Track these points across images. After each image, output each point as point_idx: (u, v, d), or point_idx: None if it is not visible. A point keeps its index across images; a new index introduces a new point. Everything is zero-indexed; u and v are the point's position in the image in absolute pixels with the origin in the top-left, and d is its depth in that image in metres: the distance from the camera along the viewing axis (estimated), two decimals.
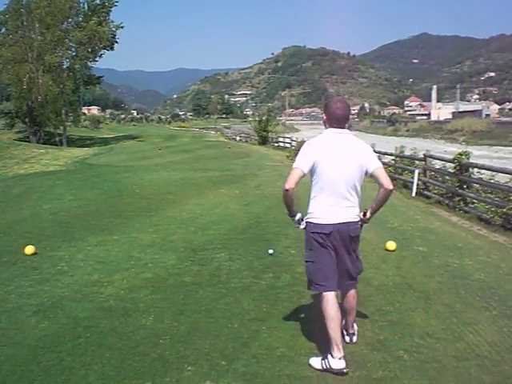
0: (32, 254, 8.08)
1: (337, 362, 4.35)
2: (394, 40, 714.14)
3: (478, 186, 13.93)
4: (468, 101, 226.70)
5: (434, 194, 15.35)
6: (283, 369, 4.43)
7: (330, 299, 4.49)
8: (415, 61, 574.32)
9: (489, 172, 13.46)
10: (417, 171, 16.42)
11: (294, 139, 40.04)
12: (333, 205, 4.48)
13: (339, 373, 4.33)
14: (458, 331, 5.24)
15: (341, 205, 4.49)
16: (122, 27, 61.59)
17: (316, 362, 4.52)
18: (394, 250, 8.38)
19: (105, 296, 6.22)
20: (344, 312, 4.78)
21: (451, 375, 4.36)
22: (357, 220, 4.62)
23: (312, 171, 4.48)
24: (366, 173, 4.58)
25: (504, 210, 11.19)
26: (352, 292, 4.76)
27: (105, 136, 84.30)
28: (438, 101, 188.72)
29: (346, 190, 4.48)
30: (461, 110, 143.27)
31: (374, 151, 18.02)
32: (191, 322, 5.39)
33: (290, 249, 8.30)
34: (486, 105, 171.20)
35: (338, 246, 4.52)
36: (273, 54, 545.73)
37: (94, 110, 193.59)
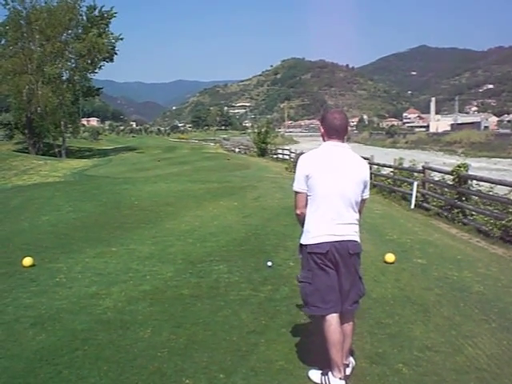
0: (30, 266, 8.05)
1: (337, 381, 4.27)
2: (393, 52, 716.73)
3: (476, 198, 13.95)
4: (466, 113, 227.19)
5: (433, 206, 15.36)
6: (282, 382, 4.41)
7: (333, 323, 4.28)
8: (414, 73, 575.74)
9: (487, 184, 13.49)
10: (415, 183, 16.44)
11: (293, 151, 40.15)
12: (329, 221, 4.26)
13: None
14: (458, 344, 5.23)
15: (338, 221, 4.27)
16: (121, 39, 61.87)
17: (316, 375, 4.45)
18: (392, 263, 8.36)
19: (103, 308, 6.19)
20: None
21: None
22: (356, 237, 4.38)
23: (307, 187, 4.34)
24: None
25: (503, 222, 11.20)
26: (349, 316, 4.47)
27: (104, 147, 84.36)
28: (437, 113, 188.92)
29: (343, 205, 4.28)
30: (459, 121, 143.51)
31: (373, 163, 18.04)
32: (189, 334, 5.37)
33: (289, 261, 8.28)
34: (485, 117, 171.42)
35: (337, 266, 4.28)
36: (272, 66, 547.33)
37: (94, 122, 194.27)
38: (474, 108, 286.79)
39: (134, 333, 5.41)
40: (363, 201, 4.46)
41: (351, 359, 4.64)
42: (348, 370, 4.47)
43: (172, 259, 8.56)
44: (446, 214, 14.18)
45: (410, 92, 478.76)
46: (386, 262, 8.37)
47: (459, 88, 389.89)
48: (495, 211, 12.41)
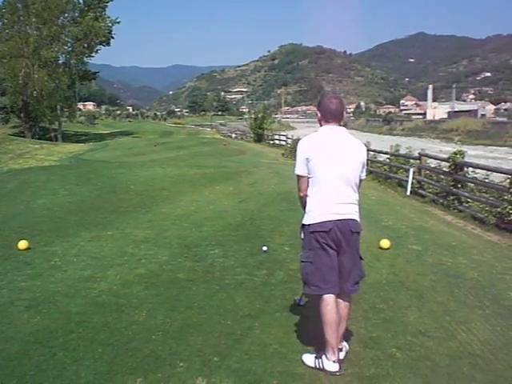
0: (25, 249, 8.05)
1: (331, 364, 4.32)
2: (391, 39, 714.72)
3: (472, 185, 13.95)
4: (464, 101, 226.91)
5: (429, 192, 15.37)
6: (276, 365, 4.41)
7: (330, 303, 4.34)
8: (411, 60, 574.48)
9: (483, 171, 13.49)
10: (412, 170, 16.44)
11: (290, 137, 40.08)
12: (331, 202, 4.34)
13: (332, 374, 4.32)
14: (451, 329, 5.25)
15: (339, 201, 4.36)
16: (118, 23, 61.72)
17: (309, 359, 4.49)
18: (388, 248, 8.37)
19: (98, 291, 6.20)
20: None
21: (444, 373, 4.36)
22: (357, 217, 4.49)
23: (308, 170, 4.42)
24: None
25: (498, 209, 11.22)
26: (346, 299, 4.54)
27: (100, 132, 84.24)
28: (434, 100, 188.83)
29: (344, 186, 4.38)
30: (456, 109, 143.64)
31: (370, 149, 18.00)
32: (184, 318, 5.38)
33: (284, 246, 8.29)
34: (482, 105, 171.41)
35: (339, 245, 4.35)
36: (269, 51, 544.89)
37: (90, 106, 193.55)
38: (471, 96, 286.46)
39: (128, 316, 5.42)
40: (361, 181, 4.56)
41: (345, 343, 4.65)
42: (342, 354, 4.51)
43: (167, 243, 8.56)
44: (441, 200, 14.19)
45: (407, 79, 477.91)
46: (381, 248, 8.38)
47: (457, 76, 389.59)
48: (491, 198, 12.43)
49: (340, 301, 4.47)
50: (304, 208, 4.56)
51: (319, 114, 4.58)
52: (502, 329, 5.31)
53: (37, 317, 5.39)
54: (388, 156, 20.34)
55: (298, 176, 4.53)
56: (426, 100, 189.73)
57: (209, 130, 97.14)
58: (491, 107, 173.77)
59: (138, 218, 10.65)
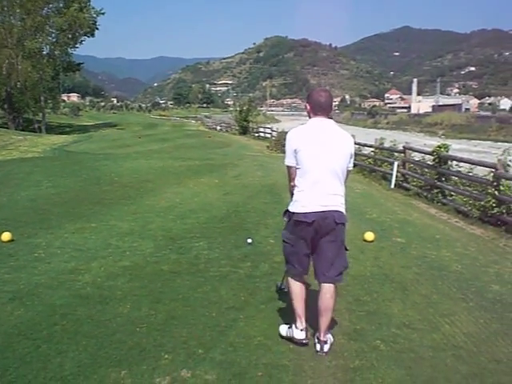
0: (8, 241, 7.97)
1: (298, 332, 4.65)
2: (376, 33, 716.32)
3: (456, 178, 14.03)
4: (448, 95, 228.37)
5: (413, 186, 15.43)
6: (260, 357, 4.43)
7: (298, 281, 4.72)
8: (396, 54, 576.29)
9: (467, 165, 13.57)
10: (396, 163, 16.50)
11: (275, 130, 40.10)
12: (317, 192, 4.45)
13: (300, 343, 4.62)
14: (435, 322, 5.28)
15: (325, 192, 4.46)
16: (102, 13, 61.31)
17: (283, 330, 4.84)
18: (372, 241, 8.41)
19: (82, 283, 6.16)
20: (319, 311, 4.64)
21: (427, 365, 4.39)
22: (342, 208, 4.58)
23: (296, 160, 4.53)
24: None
25: (482, 202, 11.29)
26: (330, 288, 4.60)
27: (84, 123, 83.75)
28: (419, 94, 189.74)
29: (330, 177, 4.47)
30: (441, 103, 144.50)
31: (355, 143, 18.12)
32: (168, 310, 5.37)
33: (269, 238, 8.30)
34: (466, 99, 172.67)
35: (322, 235, 4.48)
36: (254, 43, 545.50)
37: (74, 98, 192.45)
38: (456, 90, 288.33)
39: (113, 308, 5.40)
40: (348, 171, 4.67)
41: (329, 336, 4.69)
42: (326, 347, 4.56)
43: (152, 235, 8.53)
44: (425, 194, 14.26)
45: (392, 73, 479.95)
46: (365, 241, 8.42)
47: (441, 70, 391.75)
48: (474, 192, 12.50)
49: (325, 291, 4.59)
50: (292, 194, 4.67)
51: (308, 107, 4.66)
52: (486, 321, 5.36)
53: (20, 309, 5.35)
54: (373, 149, 20.40)
55: (287, 166, 4.64)
56: (410, 94, 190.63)
57: (194, 122, 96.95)
58: (475, 101, 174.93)
59: (122, 210, 10.60)
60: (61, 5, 58.54)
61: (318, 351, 4.54)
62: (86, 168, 17.69)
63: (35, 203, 11.45)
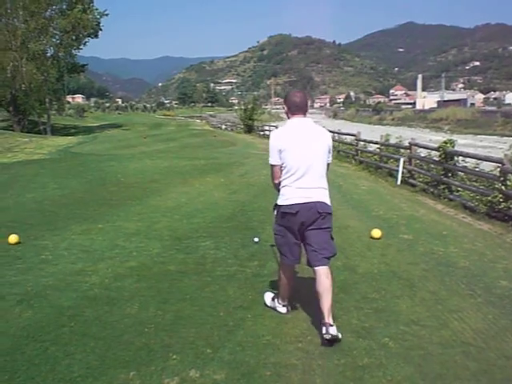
0: (15, 243, 7.99)
1: (281, 307, 5.30)
2: (380, 29, 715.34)
3: (462, 174, 14.00)
4: (453, 90, 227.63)
5: (419, 182, 15.40)
6: (269, 357, 4.41)
7: (288, 270, 5.21)
8: (401, 50, 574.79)
9: (473, 160, 13.53)
10: (402, 159, 16.46)
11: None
12: (299, 187, 4.84)
13: (281, 314, 5.24)
14: (443, 318, 5.26)
15: (308, 186, 4.85)
16: (106, 15, 61.24)
17: (268, 297, 5.49)
18: (379, 238, 8.39)
19: (89, 285, 6.17)
20: (318, 295, 4.79)
21: (436, 362, 4.37)
22: (325, 199, 4.93)
23: (280, 159, 4.91)
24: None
25: (489, 198, 11.25)
26: (324, 270, 4.85)
27: (89, 124, 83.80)
28: (423, 90, 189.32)
29: (313, 172, 4.86)
30: (446, 99, 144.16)
31: (360, 139, 18.08)
32: (176, 310, 5.36)
33: None
34: (471, 94, 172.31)
35: (308, 224, 4.86)
36: (258, 42, 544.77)
37: (79, 99, 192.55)
38: (461, 85, 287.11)
39: (120, 309, 5.40)
40: (328, 165, 5.06)
41: (339, 334, 4.65)
42: (333, 329, 4.61)
43: (158, 235, 8.54)
44: (432, 190, 14.22)
45: (396, 69, 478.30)
46: (372, 238, 8.40)
47: (446, 65, 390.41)
48: (481, 187, 12.47)
49: (320, 274, 4.85)
50: (278, 191, 5.07)
51: (286, 108, 5.10)
52: (494, 317, 5.33)
53: (28, 311, 5.35)
54: (378, 146, 20.38)
55: (271, 165, 5.04)
56: (415, 89, 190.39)
57: (199, 121, 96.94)
58: (480, 96, 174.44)
59: (128, 211, 10.61)
60: (64, 6, 58.50)
61: (324, 334, 4.59)
62: (92, 169, 17.75)
63: (41, 205, 11.49)
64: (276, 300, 5.34)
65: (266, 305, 5.40)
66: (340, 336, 4.67)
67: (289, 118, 5.08)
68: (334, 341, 4.59)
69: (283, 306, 5.27)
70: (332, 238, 5.02)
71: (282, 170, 4.95)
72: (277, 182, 5.05)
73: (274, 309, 5.30)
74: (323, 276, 4.81)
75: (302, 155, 4.82)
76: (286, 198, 4.89)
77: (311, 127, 4.99)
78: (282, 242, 5.07)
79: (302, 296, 5.66)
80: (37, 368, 4.21)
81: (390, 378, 4.10)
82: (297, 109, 4.99)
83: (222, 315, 5.25)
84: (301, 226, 4.88)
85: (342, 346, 4.60)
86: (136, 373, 4.14)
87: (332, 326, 4.63)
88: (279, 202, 4.99)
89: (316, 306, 4.84)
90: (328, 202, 4.95)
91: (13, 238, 8.04)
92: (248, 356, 4.42)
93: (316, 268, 4.87)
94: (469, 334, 4.92)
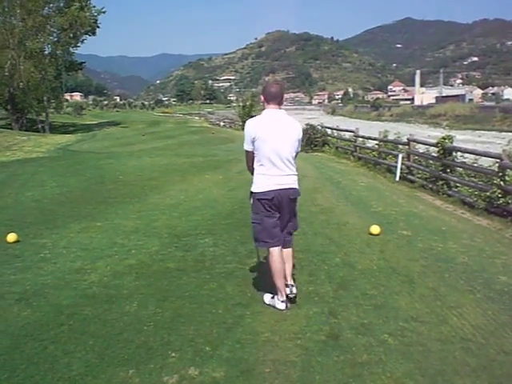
0: (14, 242, 7.99)
1: (280, 303, 5.33)
2: (378, 25, 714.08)
3: (461, 169, 14.01)
4: (451, 85, 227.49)
5: (418, 178, 15.42)
6: (268, 354, 4.41)
7: (275, 254, 5.33)
8: (399, 45, 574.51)
9: (472, 156, 13.54)
10: (400, 155, 16.48)
11: None
12: (273, 174, 5.24)
13: (280, 311, 5.27)
14: (443, 314, 5.26)
15: (280, 173, 5.26)
16: (103, 12, 61.13)
17: (267, 298, 5.53)
18: (378, 234, 8.38)
19: (88, 283, 6.16)
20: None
21: (436, 358, 4.37)
22: (295, 185, 5.39)
23: (254, 146, 5.32)
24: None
25: (487, 193, 11.27)
26: (288, 246, 5.55)
27: (88, 122, 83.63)
28: (422, 85, 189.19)
29: (284, 161, 5.26)
30: (444, 94, 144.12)
31: (358, 136, 18.14)
32: (175, 308, 5.36)
33: None
34: (469, 89, 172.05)
35: (280, 208, 5.32)
36: (256, 38, 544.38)
37: (77, 97, 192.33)
38: (459, 81, 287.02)
39: (119, 307, 5.39)
40: (297, 153, 5.48)
41: (292, 283, 5.46)
42: (294, 289, 5.42)
43: (157, 233, 8.53)
44: (430, 185, 14.23)
45: (394, 65, 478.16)
46: (371, 234, 8.39)
47: (444, 61, 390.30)
48: (480, 183, 12.48)
49: (283, 247, 5.45)
50: (252, 174, 5.49)
51: (262, 98, 5.43)
52: (494, 313, 5.34)
53: (27, 310, 5.35)
54: (377, 142, 20.39)
55: (246, 151, 5.47)
56: (413, 85, 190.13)
57: (197, 118, 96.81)
58: (479, 92, 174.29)
59: (127, 209, 10.60)
60: (61, 4, 58.31)
61: (288, 294, 5.35)
62: (90, 167, 17.73)
63: (40, 203, 11.48)
64: (275, 297, 5.39)
65: (265, 303, 5.48)
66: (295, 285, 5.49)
67: (264, 108, 5.44)
68: (295, 298, 5.41)
69: (282, 301, 5.33)
70: (295, 216, 5.61)
71: (254, 156, 5.36)
72: (250, 165, 5.50)
73: (274, 306, 5.36)
74: (285, 250, 5.48)
75: (273, 144, 5.20)
76: (261, 185, 5.27)
77: (283, 118, 5.37)
78: (260, 229, 5.37)
79: (301, 294, 5.66)
80: (36, 366, 4.21)
81: (389, 375, 4.11)
82: (272, 98, 5.33)
83: (220, 312, 5.25)
84: (276, 209, 5.31)
85: (341, 342, 4.61)
86: (135, 371, 4.14)
87: (293, 286, 5.44)
88: (254, 190, 5.36)
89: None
90: (297, 187, 5.42)
91: (11, 237, 8.03)
92: (247, 353, 4.42)
93: (286, 242, 5.51)
94: (468, 329, 4.92)
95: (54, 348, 4.52)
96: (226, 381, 4.02)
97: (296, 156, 5.45)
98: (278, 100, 5.37)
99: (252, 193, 5.41)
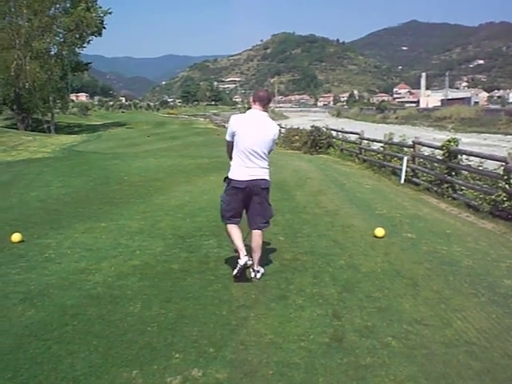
0: (19, 242, 7.99)
1: (242, 259, 6.04)
2: (384, 27, 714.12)
3: (466, 172, 14.00)
4: (457, 88, 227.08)
5: (423, 180, 15.40)
6: (271, 356, 4.41)
7: (233, 227, 6.28)
8: (404, 48, 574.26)
9: (477, 159, 13.51)
10: (405, 158, 16.45)
11: (284, 126, 40.01)
12: (247, 166, 6.06)
13: (245, 266, 6.06)
14: (447, 317, 5.26)
15: (253, 166, 6.06)
16: (109, 13, 61.23)
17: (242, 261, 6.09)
18: (382, 237, 8.37)
19: (92, 283, 6.17)
20: (252, 249, 6.25)
21: (440, 362, 4.37)
22: (266, 177, 6.17)
23: (233, 139, 6.17)
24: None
25: (492, 196, 11.24)
26: (258, 232, 6.26)
27: (93, 123, 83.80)
28: (427, 88, 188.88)
29: (257, 155, 6.04)
30: (450, 97, 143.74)
31: (363, 138, 18.14)
32: (179, 309, 5.37)
33: (279, 235, 8.28)
34: (475, 92, 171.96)
35: (251, 196, 6.10)
36: (262, 40, 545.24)
37: (83, 97, 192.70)
38: (465, 83, 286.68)
39: (123, 307, 5.40)
40: (271, 150, 6.26)
41: (262, 269, 6.41)
42: (258, 274, 6.31)
43: (162, 234, 8.53)
44: (435, 188, 14.21)
45: (400, 67, 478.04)
46: (375, 237, 8.38)
47: (450, 63, 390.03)
48: (485, 186, 12.46)
49: (255, 234, 6.26)
50: (230, 159, 6.32)
51: (251, 99, 6.34)
52: (498, 316, 5.33)
53: (31, 310, 5.36)
54: (382, 144, 20.37)
55: (226, 141, 6.39)
56: (419, 88, 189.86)
57: (202, 120, 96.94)
58: (484, 95, 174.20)
59: (131, 209, 10.61)
60: (68, 5, 58.48)
61: (252, 278, 6.25)
62: (96, 168, 17.73)
63: (45, 203, 11.50)
64: (239, 259, 6.11)
65: (242, 266, 6.05)
66: (263, 271, 6.41)
67: (251, 108, 6.27)
68: (258, 279, 6.24)
69: (244, 255, 6.04)
70: (270, 205, 6.37)
71: (233, 147, 6.21)
72: (229, 152, 6.35)
73: (239, 265, 6.06)
74: (257, 236, 6.25)
75: (247, 140, 6.02)
76: (237, 174, 6.09)
77: (263, 120, 6.14)
78: (226, 209, 6.29)
79: (305, 295, 5.67)
80: (39, 366, 4.22)
81: (392, 378, 4.10)
82: (258, 100, 6.17)
83: (224, 314, 5.25)
84: (246, 197, 6.13)
85: (345, 345, 4.61)
86: (139, 371, 4.14)
87: (259, 272, 6.33)
88: (230, 176, 6.18)
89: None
90: (268, 178, 6.20)
91: (16, 237, 8.04)
92: (251, 355, 4.42)
93: (253, 230, 6.29)
94: (472, 333, 4.91)
95: (58, 348, 4.52)
96: (229, 382, 4.03)
97: (269, 153, 6.23)
98: (263, 103, 6.19)
99: (227, 177, 6.24)
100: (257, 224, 6.26)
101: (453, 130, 77.32)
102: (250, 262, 6.06)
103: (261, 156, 6.08)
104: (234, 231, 6.27)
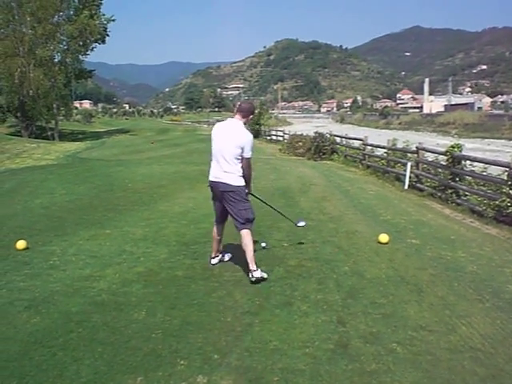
0: (23, 249, 8.01)
1: (213, 259, 7.14)
2: (387, 33, 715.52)
3: (470, 178, 13.98)
4: (460, 94, 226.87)
5: (427, 186, 15.38)
6: (276, 362, 4.41)
7: (214, 229, 7.03)
8: (407, 54, 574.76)
9: (481, 164, 13.50)
10: (409, 164, 16.44)
11: (287, 132, 40.04)
12: (214, 168, 6.60)
13: (212, 265, 7.04)
14: (452, 323, 5.25)
15: (218, 169, 6.53)
16: (113, 20, 61.50)
17: (257, 273, 6.38)
18: (386, 243, 8.36)
19: (97, 290, 6.18)
20: (242, 248, 6.56)
21: (445, 368, 4.36)
22: (229, 181, 6.45)
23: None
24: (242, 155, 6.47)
25: (496, 202, 11.23)
26: (243, 232, 6.50)
27: (97, 130, 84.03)
28: (430, 94, 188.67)
29: (223, 159, 6.45)
30: (453, 102, 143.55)
31: (367, 144, 18.19)
32: (184, 315, 5.37)
33: (283, 242, 8.29)
34: (478, 98, 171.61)
35: (220, 198, 6.61)
36: (265, 47, 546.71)
37: (86, 104, 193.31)
38: (468, 89, 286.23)
39: (128, 314, 5.40)
40: (245, 159, 6.51)
41: (260, 272, 6.43)
42: (256, 274, 6.36)
43: (166, 241, 8.54)
44: (439, 194, 14.20)
45: (403, 73, 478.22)
46: (379, 243, 8.37)
47: (453, 69, 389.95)
48: (489, 191, 12.44)
49: (242, 236, 6.51)
50: None
51: (235, 110, 6.74)
52: (503, 322, 5.32)
53: (36, 317, 5.37)
54: (385, 150, 20.35)
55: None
56: (422, 93, 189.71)
57: (206, 126, 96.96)
58: (488, 100, 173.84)
59: (135, 216, 10.62)
60: (71, 12, 58.79)
61: (251, 278, 6.37)
62: (100, 174, 17.77)
63: (49, 210, 11.51)
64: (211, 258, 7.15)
65: (257, 277, 6.36)
66: (265, 275, 6.47)
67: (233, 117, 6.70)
68: (259, 281, 6.35)
69: (213, 257, 7.13)
70: (245, 209, 6.57)
71: None
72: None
73: (209, 262, 7.14)
74: (243, 235, 6.49)
75: (219, 146, 6.50)
76: (210, 176, 6.63)
77: (236, 128, 6.53)
78: (214, 210, 6.92)
79: (310, 302, 5.67)
80: (45, 373, 4.23)
81: None
82: (239, 110, 6.63)
83: (229, 320, 5.25)
84: (218, 197, 6.65)
85: (350, 351, 4.60)
86: (143, 378, 4.15)
87: (256, 270, 6.38)
88: (208, 178, 6.71)
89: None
90: (233, 183, 6.45)
91: (21, 244, 8.06)
92: (255, 361, 4.42)
93: (239, 232, 6.55)
94: (477, 339, 4.90)
95: (63, 355, 4.53)
96: None
97: (246, 161, 6.52)
98: (242, 113, 6.61)
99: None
100: (236, 224, 6.62)
101: (456, 135, 77.27)
102: (215, 262, 7.16)
103: (226, 160, 6.45)
104: (213, 232, 7.03)
